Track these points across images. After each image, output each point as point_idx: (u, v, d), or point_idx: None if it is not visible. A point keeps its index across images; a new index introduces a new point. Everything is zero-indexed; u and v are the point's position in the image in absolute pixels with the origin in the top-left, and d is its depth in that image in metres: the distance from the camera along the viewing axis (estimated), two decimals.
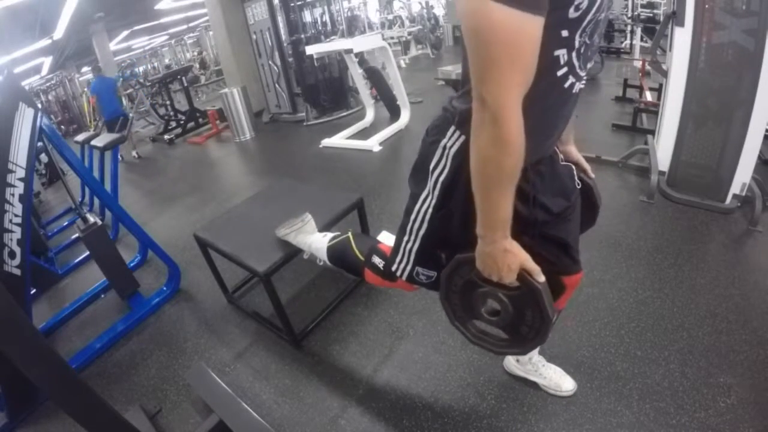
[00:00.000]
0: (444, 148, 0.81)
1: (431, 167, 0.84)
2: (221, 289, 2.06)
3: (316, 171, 3.74)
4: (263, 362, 1.67)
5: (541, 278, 0.76)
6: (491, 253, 0.72)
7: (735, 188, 2.06)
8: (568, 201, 0.89)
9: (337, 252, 1.31)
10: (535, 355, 1.33)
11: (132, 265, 2.51)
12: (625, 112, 3.69)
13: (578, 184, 0.95)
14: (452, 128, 0.79)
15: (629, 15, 5.89)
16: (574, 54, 0.66)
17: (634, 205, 2.28)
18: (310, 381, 1.54)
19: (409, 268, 0.99)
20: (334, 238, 1.36)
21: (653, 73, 3.09)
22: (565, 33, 0.63)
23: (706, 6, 1.91)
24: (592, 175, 1.01)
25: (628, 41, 6.14)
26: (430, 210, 0.87)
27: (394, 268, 1.02)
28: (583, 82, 0.74)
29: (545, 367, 1.34)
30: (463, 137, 0.77)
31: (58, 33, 7.85)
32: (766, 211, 2.01)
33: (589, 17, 0.62)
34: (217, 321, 1.97)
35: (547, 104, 0.70)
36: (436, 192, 0.85)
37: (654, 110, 3.04)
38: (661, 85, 2.67)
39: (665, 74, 2.32)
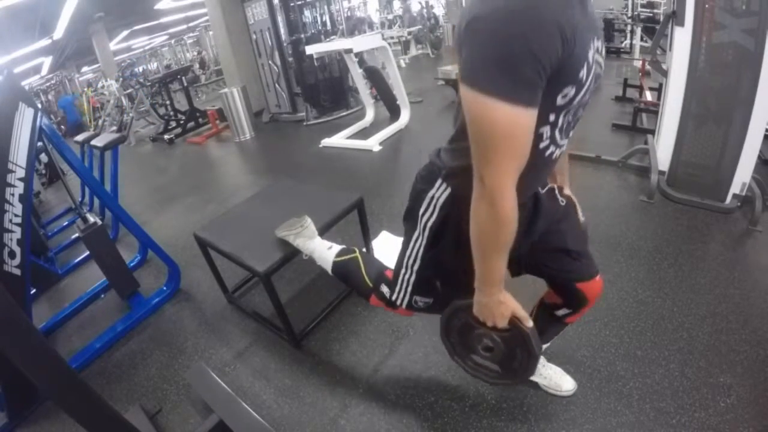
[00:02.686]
0: (432, 198, 0.90)
1: (420, 213, 0.93)
2: (221, 289, 2.06)
3: (316, 171, 3.74)
4: (263, 362, 1.67)
5: (530, 323, 0.86)
6: (487, 304, 0.83)
7: (735, 188, 2.06)
8: (551, 219, 0.96)
9: (344, 270, 1.33)
10: None
11: (132, 265, 2.51)
12: (625, 111, 3.69)
13: (562, 201, 1.00)
14: (439, 181, 0.88)
15: (629, 15, 5.89)
16: (557, 131, 0.74)
17: (634, 205, 2.28)
18: (310, 381, 1.54)
19: (407, 297, 1.09)
20: (341, 254, 1.36)
21: (653, 72, 3.09)
22: (552, 117, 0.71)
23: (706, 6, 1.91)
24: (582, 218, 1.07)
25: (628, 41, 6.14)
26: (422, 249, 0.97)
27: (393, 298, 1.12)
28: (563, 148, 0.81)
29: (545, 367, 1.34)
30: (449, 189, 0.87)
31: (58, 33, 7.86)
32: (766, 211, 2.00)
33: (575, 102, 0.69)
34: (217, 321, 1.97)
35: (530, 170, 0.73)
36: (426, 234, 0.95)
37: (654, 110, 3.04)
38: (661, 85, 2.67)
39: (665, 74, 2.32)
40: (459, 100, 0.75)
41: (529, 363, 0.91)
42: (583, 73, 0.66)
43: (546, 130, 0.73)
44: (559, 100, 0.67)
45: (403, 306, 1.11)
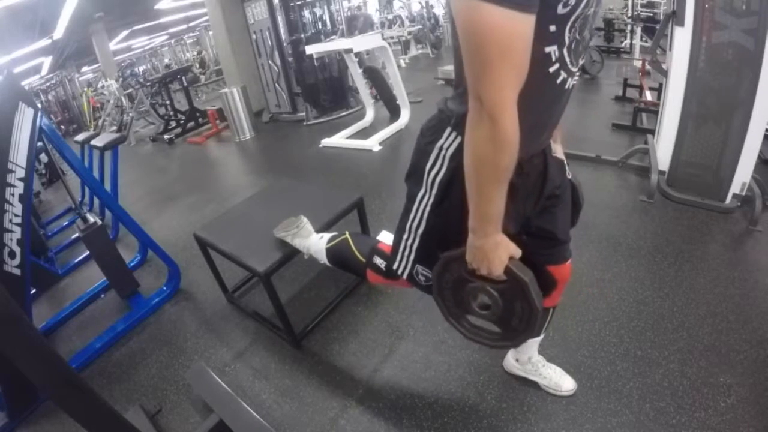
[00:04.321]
0: (440, 149, 0.82)
1: (428, 167, 0.85)
2: (221, 289, 2.06)
3: (316, 171, 3.74)
4: (263, 362, 1.67)
5: (528, 271, 0.78)
6: (482, 247, 0.74)
7: (735, 188, 2.06)
8: (557, 190, 0.91)
9: (336, 254, 1.32)
10: (534, 354, 1.33)
11: (132, 264, 2.51)
12: (625, 111, 3.69)
13: (569, 175, 0.96)
14: (449, 129, 0.80)
15: (629, 14, 5.88)
16: (565, 50, 0.67)
17: (634, 205, 2.28)
18: (310, 381, 1.54)
19: (409, 265, 1.00)
20: (332, 239, 1.36)
21: (653, 72, 3.08)
22: (553, 28, 0.63)
23: (706, 6, 1.91)
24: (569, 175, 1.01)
25: (628, 41, 6.13)
26: (428, 208, 0.89)
27: (395, 266, 1.03)
28: (576, 78, 0.74)
29: (545, 366, 1.34)
30: (459, 138, 0.77)
31: (58, 33, 7.85)
32: (766, 211, 2.00)
33: (577, 12, 0.63)
34: (217, 321, 1.97)
35: (540, 101, 0.70)
36: (434, 191, 0.86)
37: (654, 110, 3.03)
38: (661, 85, 2.66)
39: (665, 74, 2.32)
40: (454, 34, 0.69)
41: (531, 319, 0.83)
42: None
43: (553, 50, 0.66)
44: (560, 9, 0.61)
45: (405, 276, 1.03)
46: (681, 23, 2.03)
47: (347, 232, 1.33)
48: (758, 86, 1.84)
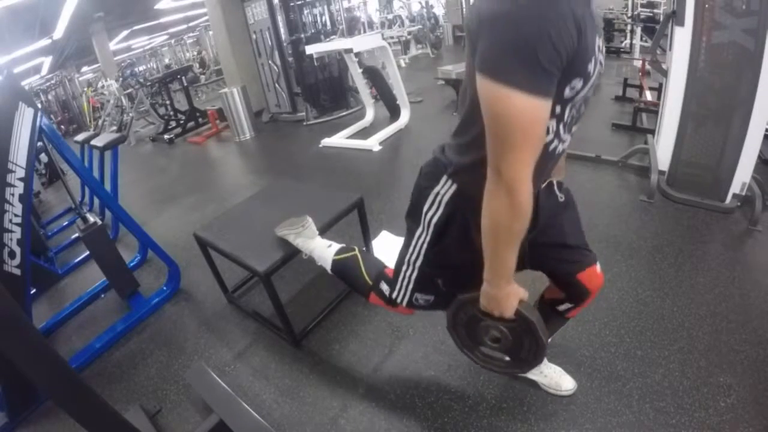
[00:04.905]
0: (436, 194, 0.90)
1: (425, 209, 0.93)
2: (221, 289, 2.06)
3: (316, 171, 3.74)
4: (263, 362, 1.67)
5: (535, 313, 0.88)
6: (496, 296, 0.83)
7: (735, 188, 2.06)
8: (550, 214, 0.96)
9: (343, 268, 1.33)
10: None
11: (132, 264, 2.51)
12: (625, 111, 3.69)
13: (561, 197, 1.00)
14: (445, 177, 0.88)
15: (629, 14, 5.89)
16: (561, 124, 0.75)
17: (634, 205, 2.28)
18: (310, 381, 1.54)
19: (408, 294, 1.08)
20: (340, 252, 1.36)
21: (653, 72, 3.09)
22: (558, 109, 0.71)
23: (706, 5, 1.91)
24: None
25: (628, 41, 6.14)
26: (425, 245, 0.97)
27: (394, 296, 1.11)
28: (566, 144, 0.82)
29: (545, 366, 1.34)
30: (455, 186, 0.87)
31: (58, 33, 7.85)
32: (766, 211, 2.00)
33: (580, 95, 0.70)
34: (217, 321, 1.97)
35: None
36: (430, 231, 0.94)
37: (654, 110, 3.04)
38: (661, 85, 2.67)
39: (665, 74, 2.32)
40: (464, 92, 0.79)
41: (537, 351, 0.93)
42: (591, 66, 0.67)
43: (552, 124, 0.73)
44: (567, 92, 0.68)
45: (404, 304, 1.10)
46: (681, 23, 2.03)
47: (356, 249, 1.33)
48: (758, 86, 1.84)
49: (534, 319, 0.87)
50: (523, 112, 0.61)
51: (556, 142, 0.77)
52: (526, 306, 0.87)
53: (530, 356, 0.95)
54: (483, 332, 0.98)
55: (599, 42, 0.71)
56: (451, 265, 0.97)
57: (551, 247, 0.98)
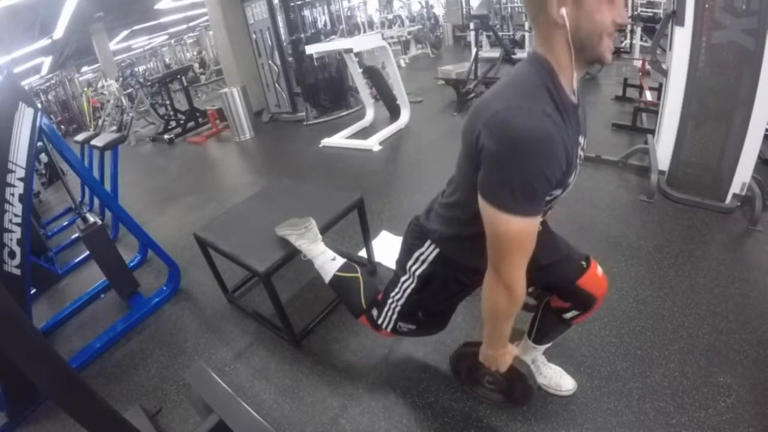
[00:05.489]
0: (420, 254, 1.05)
1: (409, 265, 1.09)
2: (221, 289, 2.06)
3: (316, 170, 3.74)
4: (263, 362, 1.67)
5: (525, 364, 1.11)
6: (493, 356, 1.00)
7: (735, 187, 2.06)
8: None
9: (343, 286, 1.35)
10: (538, 357, 1.33)
11: (132, 264, 2.51)
12: (625, 111, 3.69)
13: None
14: (428, 242, 1.03)
15: (629, 14, 5.88)
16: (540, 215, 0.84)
17: (634, 205, 2.28)
18: (310, 381, 1.54)
19: (392, 323, 1.21)
20: (344, 269, 1.36)
21: (653, 72, 3.08)
22: (547, 206, 0.85)
23: (706, 5, 1.91)
24: None
25: (628, 41, 6.13)
26: (409, 291, 1.12)
27: (380, 322, 1.23)
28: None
29: (545, 366, 1.34)
30: (437, 250, 1.02)
31: (58, 33, 7.86)
32: (766, 211, 2.00)
33: (567, 190, 0.83)
34: (217, 321, 1.98)
35: None
36: (414, 280, 1.10)
37: (654, 110, 3.03)
38: (661, 85, 2.66)
39: (665, 74, 2.32)
40: (452, 179, 0.95)
41: (528, 393, 1.15)
42: (571, 178, 0.81)
43: None
44: (556, 192, 0.80)
45: (388, 330, 1.22)
46: (681, 23, 2.03)
47: (359, 272, 1.34)
48: (758, 86, 1.84)
49: (525, 371, 1.08)
50: (519, 230, 0.74)
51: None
52: (518, 361, 1.06)
53: (521, 397, 1.19)
54: (481, 377, 1.26)
55: (582, 142, 0.85)
56: (429, 308, 1.16)
57: (539, 270, 0.98)
